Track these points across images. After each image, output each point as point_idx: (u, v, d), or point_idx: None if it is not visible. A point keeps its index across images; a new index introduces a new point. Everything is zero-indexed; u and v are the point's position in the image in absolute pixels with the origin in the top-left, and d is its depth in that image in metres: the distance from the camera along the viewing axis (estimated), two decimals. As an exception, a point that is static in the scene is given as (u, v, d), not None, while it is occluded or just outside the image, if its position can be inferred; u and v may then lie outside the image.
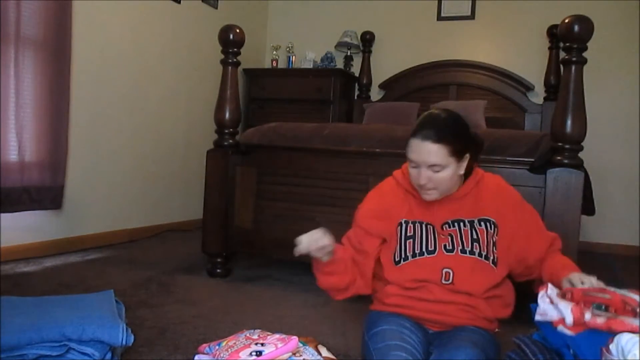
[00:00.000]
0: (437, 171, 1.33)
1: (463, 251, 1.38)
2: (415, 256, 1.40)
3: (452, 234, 1.40)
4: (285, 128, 2.55)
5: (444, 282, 1.36)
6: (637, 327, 1.09)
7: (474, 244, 1.38)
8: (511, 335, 1.36)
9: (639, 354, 0.96)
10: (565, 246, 1.85)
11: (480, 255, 1.37)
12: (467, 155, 1.38)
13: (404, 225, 1.43)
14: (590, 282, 1.22)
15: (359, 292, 1.49)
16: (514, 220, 1.41)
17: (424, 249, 1.39)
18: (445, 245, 1.39)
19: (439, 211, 1.42)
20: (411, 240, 1.41)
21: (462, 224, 1.40)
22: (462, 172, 1.38)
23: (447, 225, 1.41)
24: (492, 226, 1.40)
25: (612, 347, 1.02)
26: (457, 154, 1.34)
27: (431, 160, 1.32)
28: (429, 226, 1.42)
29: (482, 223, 1.40)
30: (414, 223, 1.43)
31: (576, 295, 1.20)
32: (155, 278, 2.40)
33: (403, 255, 1.41)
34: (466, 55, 4.18)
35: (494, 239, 1.40)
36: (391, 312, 1.39)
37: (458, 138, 1.35)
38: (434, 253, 1.39)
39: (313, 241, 1.31)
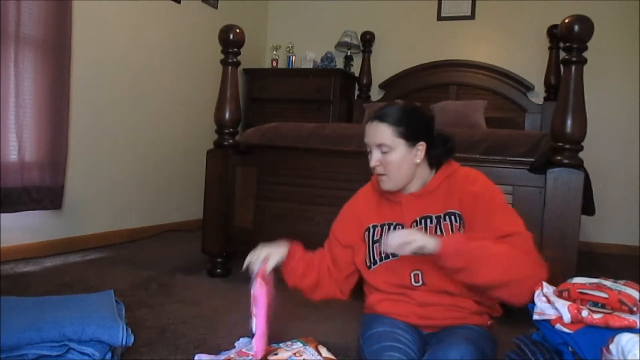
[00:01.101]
0: (385, 152, 1.34)
1: None
2: (382, 260, 1.40)
3: None
4: (285, 128, 2.55)
5: (414, 284, 1.35)
6: (634, 321, 1.09)
7: None
8: (511, 335, 1.36)
9: (639, 354, 0.96)
10: (565, 246, 1.87)
11: None
12: (422, 144, 1.36)
13: (371, 229, 1.44)
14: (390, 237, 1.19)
15: (333, 296, 1.52)
16: (472, 211, 1.34)
17: (389, 253, 1.37)
18: None
19: (408, 210, 1.40)
20: (378, 244, 1.41)
21: (429, 220, 1.38)
22: (417, 161, 1.37)
23: (415, 224, 1.39)
24: (458, 218, 1.36)
25: (612, 347, 1.02)
26: (406, 138, 1.34)
27: (377, 140, 1.34)
28: (397, 227, 1.40)
29: (447, 217, 1.37)
30: (382, 226, 1.43)
31: (573, 293, 1.21)
32: (155, 278, 2.40)
33: (372, 260, 1.42)
34: (466, 55, 4.18)
35: (461, 232, 1.35)
36: (384, 315, 1.39)
37: (407, 122, 1.35)
38: (397, 255, 1.36)
39: (252, 262, 1.38)
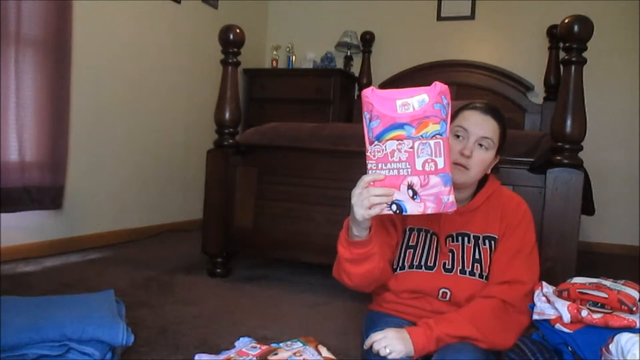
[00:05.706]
0: (483, 145, 1.30)
1: (462, 272, 1.32)
2: (413, 268, 1.35)
3: (454, 249, 1.33)
4: (285, 128, 2.55)
5: (440, 299, 1.33)
6: (633, 321, 1.09)
7: (475, 264, 1.32)
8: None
9: (638, 353, 0.96)
10: (565, 246, 1.87)
11: (480, 276, 1.31)
12: (498, 158, 1.37)
13: (407, 232, 1.39)
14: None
15: (377, 266, 1.28)
16: (503, 242, 1.33)
17: (422, 263, 1.35)
18: (445, 264, 1.33)
19: (446, 221, 1.35)
20: (412, 250, 1.37)
21: (466, 239, 1.34)
22: (489, 170, 1.36)
23: (450, 239, 1.34)
24: (495, 245, 1.33)
25: (611, 347, 1.02)
26: (500, 146, 1.35)
27: (485, 133, 1.30)
28: (433, 237, 1.36)
29: (487, 241, 1.33)
30: (419, 230, 1.38)
31: (572, 293, 1.21)
32: (155, 278, 2.40)
33: (400, 264, 1.37)
34: (466, 55, 4.18)
35: (491, 257, 1.34)
36: (390, 314, 1.39)
37: (505, 132, 1.36)
38: (432, 269, 1.33)
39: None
